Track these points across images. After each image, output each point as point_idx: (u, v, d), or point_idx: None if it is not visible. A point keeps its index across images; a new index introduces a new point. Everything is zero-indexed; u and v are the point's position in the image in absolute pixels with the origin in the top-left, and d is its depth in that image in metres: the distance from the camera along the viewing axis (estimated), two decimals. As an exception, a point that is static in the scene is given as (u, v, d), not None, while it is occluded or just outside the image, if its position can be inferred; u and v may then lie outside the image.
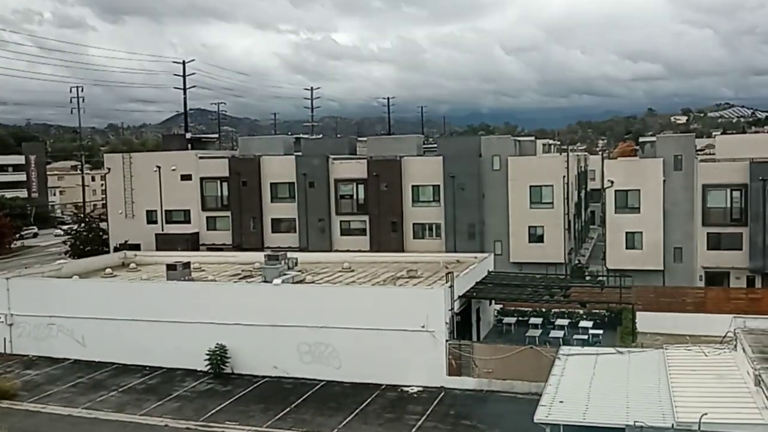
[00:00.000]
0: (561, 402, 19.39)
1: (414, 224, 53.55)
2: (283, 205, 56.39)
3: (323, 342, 30.69)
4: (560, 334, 33.30)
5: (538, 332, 33.67)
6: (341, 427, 25.56)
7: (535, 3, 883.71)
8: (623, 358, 23.41)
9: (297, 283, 34.02)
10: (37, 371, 33.42)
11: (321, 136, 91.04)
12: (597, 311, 36.43)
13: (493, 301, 37.32)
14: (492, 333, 36.61)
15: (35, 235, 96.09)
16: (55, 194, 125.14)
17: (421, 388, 29.02)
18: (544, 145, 66.25)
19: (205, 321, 32.12)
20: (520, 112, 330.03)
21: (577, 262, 55.87)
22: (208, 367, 31.66)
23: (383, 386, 29.34)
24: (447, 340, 29.31)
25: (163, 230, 58.97)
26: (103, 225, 64.55)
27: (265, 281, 33.90)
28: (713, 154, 52.75)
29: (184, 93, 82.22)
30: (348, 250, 49.62)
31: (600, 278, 40.26)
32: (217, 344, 31.68)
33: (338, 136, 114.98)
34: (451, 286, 30.27)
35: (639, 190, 48.37)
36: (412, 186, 53.53)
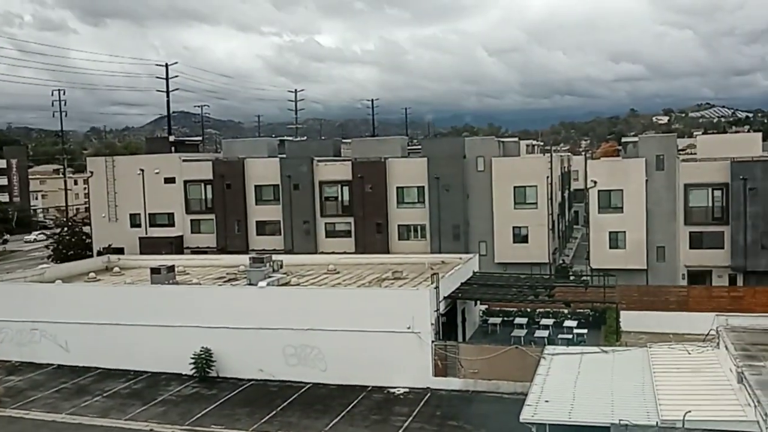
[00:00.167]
0: (546, 401, 19.49)
1: (399, 226, 53.60)
2: (267, 208, 56.24)
3: (309, 344, 30.64)
4: (545, 333, 33.44)
5: (523, 332, 33.77)
6: (327, 429, 25.53)
7: (517, 5, 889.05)
8: (608, 357, 23.56)
9: (282, 285, 33.96)
10: (20, 377, 33.10)
11: (305, 138, 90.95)
12: (581, 311, 36.63)
13: (478, 302, 37.41)
14: (477, 333, 36.71)
15: (5, 241, 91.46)
16: (37, 198, 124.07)
17: (407, 390, 29.04)
18: (527, 146, 66.50)
19: (189, 324, 31.96)
20: (503, 114, 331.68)
21: (561, 262, 56.13)
22: (194, 370, 31.51)
23: (369, 388, 29.35)
24: (433, 341, 29.36)
25: (146, 234, 58.62)
26: (86, 229, 64.10)
27: (250, 284, 33.81)
28: (695, 153, 53.28)
29: (167, 96, 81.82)
30: (333, 252, 49.59)
31: (584, 278, 40.45)
32: (202, 348, 31.54)
33: (322, 138, 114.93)
34: (437, 287, 30.34)
35: (622, 190, 48.72)
36: (397, 187, 53.58)
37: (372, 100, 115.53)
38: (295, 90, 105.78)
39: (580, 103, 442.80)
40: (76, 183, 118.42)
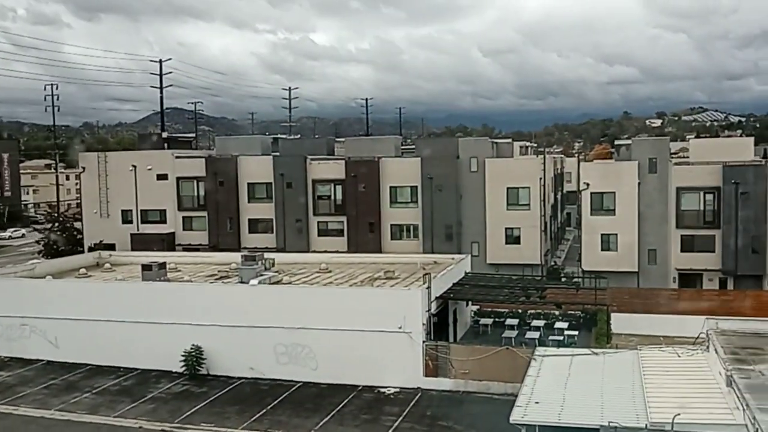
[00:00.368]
0: (536, 403, 19.53)
1: (391, 225, 53.61)
2: (260, 206, 56.17)
3: (300, 343, 30.60)
4: (536, 335, 33.49)
5: (514, 333, 33.83)
6: (317, 428, 25.49)
7: (512, 6, 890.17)
8: (598, 359, 23.63)
9: (274, 283, 33.88)
10: (9, 372, 32.95)
11: (299, 136, 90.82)
12: (572, 312, 36.71)
13: (469, 302, 37.45)
14: (468, 334, 36.73)
15: None
16: (28, 193, 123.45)
17: (397, 389, 29.04)
18: (521, 147, 66.65)
19: (180, 322, 31.86)
20: (498, 114, 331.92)
21: (553, 263, 56.25)
22: (184, 368, 31.43)
23: (360, 387, 29.33)
24: (424, 341, 29.37)
25: (138, 230, 58.45)
26: (77, 224, 63.84)
27: (242, 282, 33.73)
28: (687, 157, 53.47)
29: (161, 92, 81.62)
30: (325, 251, 49.53)
31: (575, 280, 40.64)
32: (193, 345, 31.46)
33: (316, 136, 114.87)
34: (428, 287, 30.35)
35: (614, 193, 48.86)
36: (390, 187, 53.59)
37: (366, 99, 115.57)
38: (290, 88, 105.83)
39: (573, 105, 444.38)
40: (67, 178, 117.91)
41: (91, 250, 53.68)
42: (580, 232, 52.01)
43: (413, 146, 62.44)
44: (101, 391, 30.22)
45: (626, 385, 20.54)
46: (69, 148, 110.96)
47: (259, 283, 32.93)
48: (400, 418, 26.16)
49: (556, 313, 36.75)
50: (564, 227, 75.35)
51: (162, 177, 58.25)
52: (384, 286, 33.58)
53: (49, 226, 67.41)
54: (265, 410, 27.31)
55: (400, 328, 29.23)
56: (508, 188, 51.45)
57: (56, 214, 71.60)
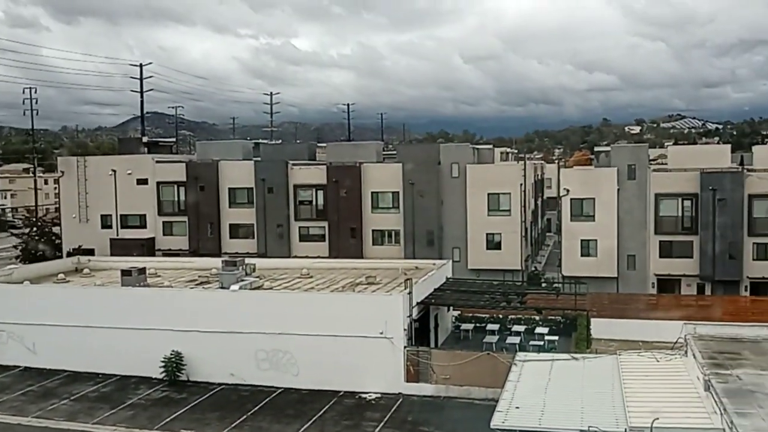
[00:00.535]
0: (517, 408, 19.62)
1: (373, 231, 53.60)
2: (241, 211, 55.91)
3: (281, 349, 30.51)
4: (517, 340, 33.67)
5: (495, 338, 33.98)
6: (298, 434, 25.44)
7: (493, 13, 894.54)
8: (578, 364, 23.78)
9: (255, 289, 33.80)
10: (-15, 379, 32.56)
11: (280, 141, 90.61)
12: (553, 318, 36.95)
13: (451, 308, 37.55)
14: (450, 339, 36.83)
15: None
16: (5, 197, 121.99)
17: (379, 395, 29.05)
18: (501, 153, 67.03)
19: (160, 327, 31.66)
20: (479, 120, 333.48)
21: (533, 269, 56.54)
22: (163, 374, 31.22)
23: (341, 393, 29.30)
24: (405, 347, 29.41)
25: (118, 235, 57.95)
26: (55, 229, 63.19)
27: (222, 287, 33.59)
28: (666, 164, 53.98)
29: (141, 96, 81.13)
30: (307, 256, 49.46)
31: (555, 285, 40.83)
32: (173, 351, 31.26)
33: (297, 141, 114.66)
34: (410, 293, 30.40)
35: (594, 199, 49.21)
36: (372, 192, 53.60)
37: (348, 105, 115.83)
38: (271, 93, 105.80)
39: (554, 112, 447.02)
40: (46, 182, 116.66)
41: (69, 255, 53.13)
42: (560, 238, 52.33)
43: (395, 152, 62.53)
44: (79, 397, 29.93)
45: (606, 389, 20.69)
46: (47, 152, 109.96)
47: (240, 288, 32.83)
48: (382, 424, 26.17)
49: (537, 318, 36.97)
50: (544, 233, 75.79)
51: (142, 182, 57.83)
52: (365, 292, 33.59)
53: (27, 230, 66.64)
54: (245, 416, 27.20)
55: (381, 333, 29.25)
56: (489, 194, 51.63)
57: (34, 219, 70.87)
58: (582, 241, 49.22)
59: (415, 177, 52.18)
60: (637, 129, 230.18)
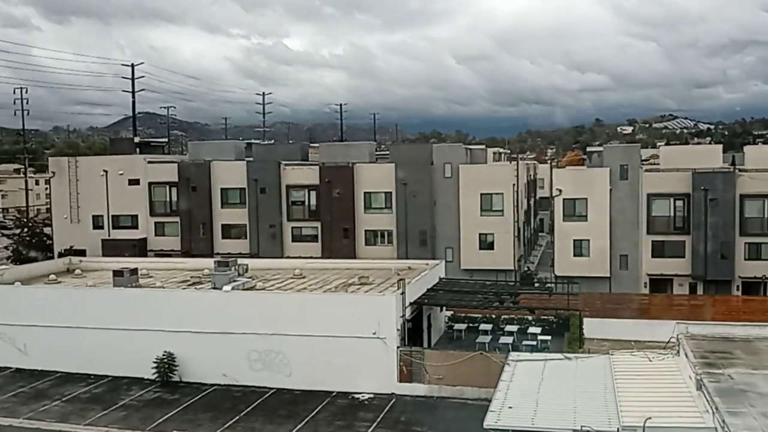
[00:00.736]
0: (510, 408, 19.63)
1: (366, 231, 53.58)
2: (233, 211, 55.80)
3: (274, 349, 30.45)
4: (509, 340, 33.67)
5: (487, 338, 33.99)
6: (291, 435, 25.39)
7: (485, 13, 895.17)
8: (571, 363, 23.81)
9: (247, 289, 33.71)
10: (-25, 381, 32.37)
11: (273, 141, 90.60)
12: (545, 317, 36.97)
13: (443, 308, 37.56)
14: (443, 339, 36.82)
15: None
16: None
17: (372, 395, 29.02)
18: (494, 153, 67.06)
19: (152, 328, 31.54)
20: (471, 120, 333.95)
21: (526, 269, 56.65)
22: (156, 375, 31.10)
23: (334, 393, 29.26)
24: (398, 347, 29.40)
25: (109, 236, 57.76)
26: (47, 230, 62.93)
27: (215, 288, 33.51)
28: (658, 164, 54.17)
29: (133, 96, 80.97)
30: (299, 257, 49.39)
31: (548, 285, 40.98)
32: (165, 352, 31.16)
33: (290, 141, 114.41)
34: (403, 293, 30.39)
35: (586, 199, 49.31)
36: (364, 193, 53.59)
37: (341, 105, 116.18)
38: (263, 93, 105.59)
39: (546, 112, 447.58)
40: (37, 183, 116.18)
41: (61, 255, 52.92)
42: (552, 238, 52.44)
43: (387, 152, 62.50)
44: (71, 398, 29.79)
45: (598, 389, 20.73)
46: (38, 153, 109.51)
47: (233, 289, 32.74)
48: (375, 424, 26.15)
49: (530, 318, 37.00)
50: (537, 233, 75.93)
51: (134, 182, 57.66)
52: (358, 292, 33.57)
53: (18, 231, 66.34)
54: (238, 417, 27.14)
55: (374, 333, 29.22)
56: (481, 194, 51.69)
57: (25, 220, 70.56)
58: (574, 241, 49.31)
59: (407, 177, 52.19)
60: (629, 129, 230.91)
